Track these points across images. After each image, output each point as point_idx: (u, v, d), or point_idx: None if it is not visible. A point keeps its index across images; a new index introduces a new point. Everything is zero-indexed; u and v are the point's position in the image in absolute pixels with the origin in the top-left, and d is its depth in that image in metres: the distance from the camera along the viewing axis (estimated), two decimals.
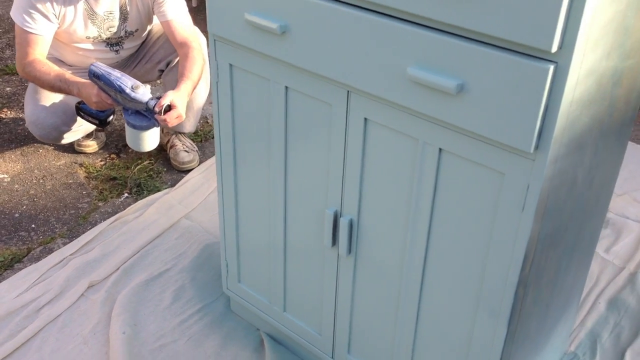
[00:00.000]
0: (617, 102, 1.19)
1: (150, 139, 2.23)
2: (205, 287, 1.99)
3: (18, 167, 2.61)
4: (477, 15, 0.97)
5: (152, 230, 2.22)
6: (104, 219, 2.30)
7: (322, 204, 1.42)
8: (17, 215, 2.33)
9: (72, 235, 2.24)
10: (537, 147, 1.01)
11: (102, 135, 2.76)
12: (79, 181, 2.53)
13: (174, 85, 2.46)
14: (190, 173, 2.57)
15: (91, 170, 2.60)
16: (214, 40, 1.44)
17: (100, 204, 2.41)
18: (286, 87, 1.35)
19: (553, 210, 1.14)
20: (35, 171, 2.59)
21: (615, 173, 1.39)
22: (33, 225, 2.29)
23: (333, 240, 1.43)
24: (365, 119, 1.24)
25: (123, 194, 2.45)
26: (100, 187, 2.50)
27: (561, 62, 0.94)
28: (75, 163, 2.64)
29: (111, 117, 2.31)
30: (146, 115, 2.16)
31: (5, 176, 2.55)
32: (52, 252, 2.14)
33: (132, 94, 2.11)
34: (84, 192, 2.47)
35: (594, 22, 0.94)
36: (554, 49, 0.92)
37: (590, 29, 0.94)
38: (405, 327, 1.39)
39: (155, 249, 2.15)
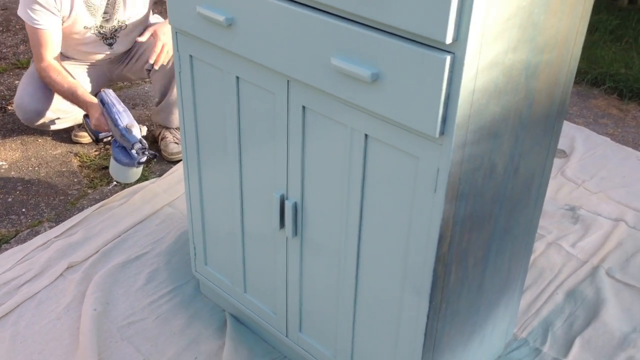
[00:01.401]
0: (537, 95, 1.26)
1: (127, 175, 2.36)
2: (178, 270, 2.09)
3: (17, 155, 2.74)
4: (383, 8, 1.05)
5: (134, 217, 2.32)
6: (91, 205, 2.42)
7: (271, 189, 1.51)
8: (10, 199, 2.46)
9: (59, 219, 2.35)
10: (442, 133, 1.09)
11: None
12: (72, 169, 2.65)
13: (161, 83, 2.60)
14: (179, 164, 2.67)
15: (85, 160, 2.72)
16: (176, 32, 1.54)
17: (89, 191, 2.52)
18: (237, 77, 1.44)
19: (469, 194, 1.21)
20: (32, 159, 2.72)
21: (548, 164, 1.46)
22: (24, 210, 2.41)
23: (281, 223, 1.51)
24: (304, 106, 1.32)
25: (112, 182, 2.57)
26: (91, 176, 2.62)
27: (458, 53, 1.01)
28: (71, 152, 2.77)
29: (106, 139, 2.45)
30: (130, 154, 2.28)
31: (4, 163, 2.68)
32: (39, 234, 2.26)
33: (124, 131, 2.25)
34: (75, 180, 2.59)
35: (490, 17, 1.01)
36: (449, 40, 1.00)
37: (486, 23, 1.01)
38: (345, 305, 1.47)
39: (136, 234, 2.25)
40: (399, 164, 1.20)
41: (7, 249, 2.19)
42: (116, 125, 2.26)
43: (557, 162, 2.70)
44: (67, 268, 2.08)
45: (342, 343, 1.54)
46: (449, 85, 1.04)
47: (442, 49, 1.02)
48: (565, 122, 3.00)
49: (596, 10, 4.14)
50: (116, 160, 2.30)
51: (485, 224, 1.33)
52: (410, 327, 1.34)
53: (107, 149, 2.79)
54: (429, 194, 1.17)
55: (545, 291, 2.02)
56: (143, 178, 2.58)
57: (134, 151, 2.24)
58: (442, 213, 1.17)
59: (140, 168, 2.36)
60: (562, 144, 2.82)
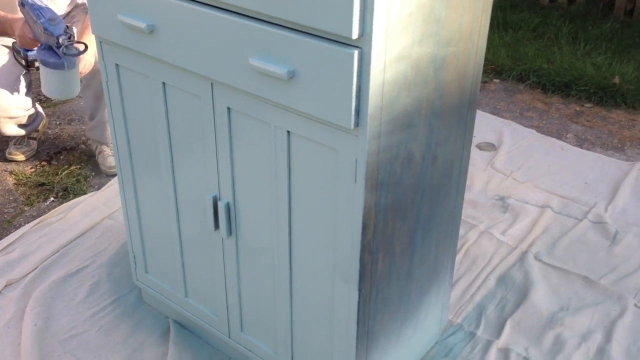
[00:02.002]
0: (446, 86, 1.33)
1: (62, 84, 2.19)
2: (120, 280, 2.09)
3: None
4: (293, 8, 1.11)
5: (73, 231, 2.31)
6: (28, 222, 2.39)
7: (204, 191, 1.54)
8: None
9: None
10: (357, 124, 1.15)
11: (33, 143, 2.85)
12: (7, 188, 2.62)
13: (91, 100, 2.60)
14: (117, 177, 2.67)
15: (21, 177, 2.69)
16: (100, 42, 1.56)
17: (26, 208, 2.50)
18: (163, 83, 1.48)
19: (389, 183, 1.28)
20: None
21: (465, 154, 1.54)
22: None
23: (215, 224, 1.55)
24: (228, 108, 1.37)
25: (49, 198, 2.55)
26: (28, 193, 2.59)
27: (365, 47, 1.08)
28: (6, 171, 2.73)
29: (36, 61, 2.28)
30: (57, 53, 2.15)
31: None
32: None
33: (46, 25, 2.12)
34: (11, 198, 2.56)
35: (392, 12, 1.08)
36: (355, 35, 1.06)
37: (390, 18, 1.08)
38: (282, 300, 1.51)
39: (76, 248, 2.24)
40: (321, 157, 1.25)
41: None
42: (38, 19, 2.13)
43: (486, 155, 2.81)
44: (6, 286, 2.06)
45: (282, 338, 1.58)
46: (359, 79, 1.10)
47: (349, 44, 1.08)
48: (494, 117, 3.13)
49: (519, 9, 4.32)
50: (44, 63, 2.15)
51: (408, 212, 1.40)
52: (343, 316, 1.39)
53: (44, 166, 2.77)
54: (350, 184, 1.22)
55: (479, 278, 2.11)
56: (81, 192, 2.57)
57: (61, 47, 2.10)
58: (363, 202, 1.22)
59: (75, 75, 2.21)
60: (491, 138, 2.94)
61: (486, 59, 3.69)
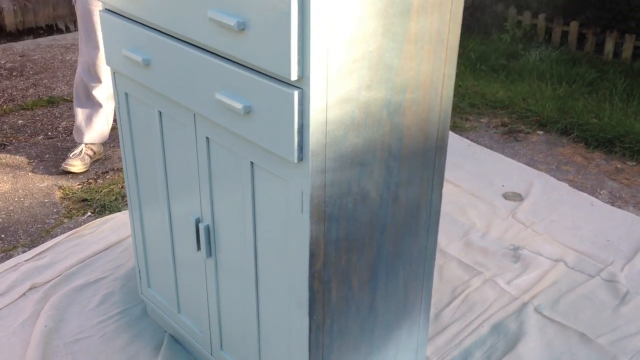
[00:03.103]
0: (406, 130, 1.40)
1: None
2: (130, 293, 2.25)
3: (7, 187, 2.97)
4: (247, 50, 1.22)
5: (100, 244, 2.50)
6: (64, 233, 2.61)
7: (190, 213, 1.67)
8: None
9: (32, 245, 2.55)
10: (301, 159, 1.24)
11: (88, 158, 3.10)
12: (54, 201, 2.86)
13: None
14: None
15: (67, 192, 2.93)
16: (113, 72, 1.74)
17: (65, 220, 2.72)
18: (159, 112, 1.63)
19: (340, 217, 1.35)
20: (20, 191, 2.94)
21: (435, 196, 1.59)
22: (2, 235, 2.61)
23: (198, 245, 1.67)
24: (207, 137, 1.49)
25: (87, 212, 2.76)
26: (70, 207, 2.82)
27: (305, 88, 1.18)
28: (56, 185, 2.98)
29: None
30: None
31: None
32: (12, 257, 2.45)
33: None
34: (55, 210, 2.79)
35: (333, 59, 1.17)
36: (294, 77, 1.16)
37: (330, 64, 1.17)
38: (250, 321, 1.60)
39: (99, 260, 2.42)
40: (276, 187, 1.35)
41: None
42: None
43: (511, 204, 2.81)
44: (30, 288, 2.26)
45: (251, 359, 1.66)
46: (300, 117, 1.20)
47: (291, 84, 1.19)
48: (527, 168, 3.12)
49: (578, 63, 4.28)
50: None
51: (366, 247, 1.46)
52: (298, 340, 1.46)
53: (90, 183, 3.00)
54: (298, 214, 1.31)
55: (472, 324, 2.11)
56: (116, 209, 2.77)
57: None
58: (309, 232, 1.31)
59: None
60: (519, 188, 2.93)
61: (531, 111, 3.68)
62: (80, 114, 3.10)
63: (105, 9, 1.65)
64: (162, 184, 1.73)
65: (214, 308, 1.73)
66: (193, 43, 1.38)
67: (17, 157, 3.22)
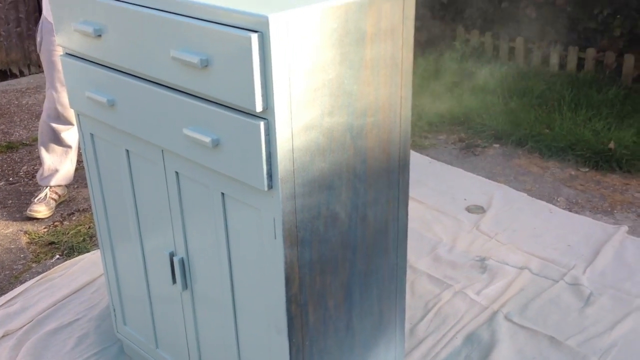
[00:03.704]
0: (369, 152, 1.46)
1: None
2: (106, 333, 2.24)
3: None
4: (211, 85, 1.27)
5: (71, 286, 2.49)
6: (34, 278, 2.58)
7: (163, 247, 1.69)
8: None
9: (2, 292, 2.51)
10: (271, 187, 1.29)
11: (53, 202, 3.08)
12: (20, 246, 2.83)
13: None
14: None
15: (34, 237, 2.90)
16: (78, 114, 1.77)
17: (33, 265, 2.70)
18: (127, 150, 1.65)
19: (312, 240, 1.40)
20: None
21: (402, 214, 1.65)
22: None
23: (173, 279, 1.69)
24: (177, 172, 1.53)
25: (55, 255, 2.74)
26: (37, 251, 2.79)
27: (270, 119, 1.23)
28: (21, 230, 2.95)
29: None
30: None
31: None
32: None
33: None
34: (22, 256, 2.76)
35: (295, 89, 1.23)
36: (259, 109, 1.21)
37: (292, 94, 1.23)
38: (230, 350, 1.62)
39: (71, 302, 2.41)
40: (248, 216, 1.39)
41: None
42: None
43: (474, 217, 2.89)
44: (3, 336, 2.23)
45: None
46: (268, 146, 1.25)
47: (256, 115, 1.24)
48: (487, 181, 3.21)
49: (527, 77, 4.44)
50: None
51: (339, 267, 1.51)
52: None
53: (57, 226, 2.98)
54: (272, 240, 1.35)
55: (446, 336, 2.16)
56: (85, 250, 2.76)
57: None
58: (283, 257, 1.35)
59: None
60: (480, 201, 3.02)
61: (486, 125, 3.80)
62: (47, 158, 3.08)
63: (66, 53, 1.68)
64: (134, 221, 1.75)
65: (192, 340, 1.75)
66: (157, 82, 1.42)
67: None
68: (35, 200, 3.06)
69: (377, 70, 1.41)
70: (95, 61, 1.58)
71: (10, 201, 3.22)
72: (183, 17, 1.27)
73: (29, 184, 3.38)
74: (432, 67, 4.76)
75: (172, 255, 1.66)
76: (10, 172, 3.54)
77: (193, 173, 1.47)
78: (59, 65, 2.87)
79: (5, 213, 3.10)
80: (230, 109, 1.28)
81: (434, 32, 5.16)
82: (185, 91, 1.36)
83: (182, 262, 1.64)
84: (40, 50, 2.91)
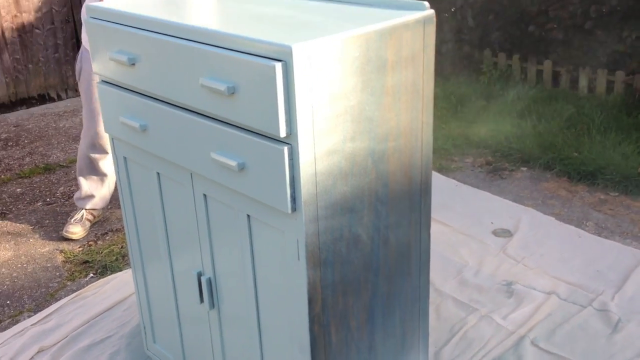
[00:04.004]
0: (391, 176, 1.50)
1: None
2: (136, 351, 2.29)
3: (9, 254, 3.03)
4: (238, 112, 1.33)
5: (104, 304, 2.56)
6: (68, 296, 2.66)
7: (192, 267, 1.74)
8: None
9: (37, 309, 2.60)
10: (294, 209, 1.33)
11: (87, 223, 3.17)
12: (56, 265, 2.92)
13: None
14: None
15: (69, 256, 2.99)
16: (112, 138, 1.84)
17: (68, 283, 2.78)
18: (158, 173, 1.72)
19: (335, 261, 1.43)
20: (22, 257, 3.00)
21: (424, 237, 1.67)
22: (8, 302, 2.66)
23: (201, 298, 1.74)
24: (204, 194, 1.58)
25: (89, 274, 2.82)
26: (72, 270, 2.88)
27: (294, 144, 1.27)
28: (57, 249, 3.05)
29: None
30: None
31: None
32: (18, 323, 2.50)
33: None
34: (57, 274, 2.85)
35: (318, 115, 1.28)
36: (283, 134, 1.26)
37: (315, 120, 1.28)
38: None
39: (104, 320, 2.48)
40: (273, 238, 1.43)
41: None
42: None
43: (501, 241, 2.89)
44: (38, 352, 2.30)
45: None
46: (291, 170, 1.30)
47: (280, 140, 1.29)
48: (514, 204, 3.21)
49: (555, 100, 4.43)
50: None
51: (361, 289, 1.54)
52: None
53: (91, 245, 3.07)
54: (295, 261, 1.39)
55: None
56: (117, 269, 2.83)
57: None
58: (306, 278, 1.39)
59: None
60: (508, 225, 3.02)
61: (513, 148, 3.80)
62: (84, 184, 3.18)
63: (102, 80, 1.76)
64: (164, 241, 1.81)
65: (219, 358, 1.79)
66: (187, 108, 1.48)
67: (18, 224, 3.29)
68: (72, 220, 3.16)
69: (399, 97, 1.45)
70: (129, 88, 1.65)
71: (47, 221, 3.32)
72: (211, 47, 1.34)
73: (65, 204, 3.49)
74: (459, 90, 4.78)
75: (199, 275, 1.71)
76: (48, 192, 3.66)
77: (220, 195, 1.52)
78: (97, 94, 2.96)
79: (42, 232, 3.20)
80: (255, 134, 1.34)
81: (461, 56, 5.19)
82: (213, 117, 1.42)
83: (209, 281, 1.69)
84: (79, 79, 3.03)
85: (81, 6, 2.92)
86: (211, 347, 1.80)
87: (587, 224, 3.06)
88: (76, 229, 3.12)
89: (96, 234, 3.18)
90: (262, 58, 1.25)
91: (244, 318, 1.63)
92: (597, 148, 3.64)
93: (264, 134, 1.32)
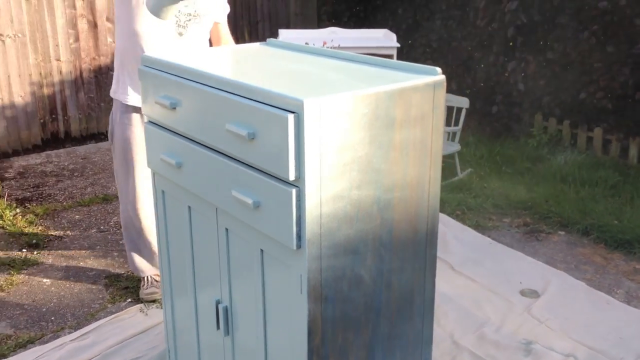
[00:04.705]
0: (396, 224, 1.62)
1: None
2: None
3: (60, 274, 3.26)
4: (255, 155, 1.49)
5: (138, 327, 2.73)
6: (107, 317, 2.85)
7: (212, 296, 1.89)
8: (44, 309, 2.94)
9: (78, 327, 2.79)
10: (299, 246, 1.47)
11: (156, 280, 3.03)
12: (100, 287, 3.13)
13: None
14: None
15: (112, 281, 3.19)
16: (153, 173, 2.03)
17: (109, 305, 2.97)
18: (189, 207, 1.89)
19: (336, 298, 1.55)
20: (71, 278, 3.23)
21: (429, 284, 1.76)
22: (52, 318, 2.87)
23: (217, 324, 1.87)
24: (226, 228, 1.74)
25: (128, 299, 3.01)
26: (114, 293, 3.07)
27: (301, 187, 1.42)
28: (103, 274, 3.26)
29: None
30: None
31: (47, 280, 3.20)
32: (59, 338, 2.70)
33: None
34: (100, 296, 3.05)
35: (326, 163, 1.42)
36: (292, 177, 1.41)
37: (323, 167, 1.42)
38: None
39: (137, 341, 2.64)
40: (281, 271, 1.57)
41: (31, 348, 2.63)
42: None
43: (526, 300, 2.92)
44: None
45: None
46: (298, 210, 1.44)
47: (290, 183, 1.43)
48: (546, 266, 3.23)
49: (602, 167, 4.43)
50: None
51: (362, 327, 1.64)
52: None
53: (132, 273, 3.27)
54: (298, 294, 1.52)
55: None
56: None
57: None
58: (307, 310, 1.51)
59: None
60: (536, 286, 3.05)
61: (553, 212, 3.82)
62: (137, 260, 2.97)
63: (149, 121, 1.96)
64: (190, 271, 1.96)
65: None
66: (215, 149, 1.66)
67: (72, 248, 3.54)
68: (144, 289, 2.98)
69: (406, 152, 1.58)
70: (170, 129, 1.84)
71: (98, 247, 3.56)
72: (236, 97, 1.51)
73: (117, 232, 3.72)
74: (506, 151, 4.84)
75: (217, 303, 1.85)
76: (102, 221, 3.91)
77: (239, 230, 1.67)
78: (135, 147, 2.75)
79: (92, 257, 3.43)
80: (269, 176, 1.49)
81: (511, 118, 5.26)
82: (235, 158, 1.59)
83: (225, 310, 1.82)
84: (112, 138, 2.85)
85: None
86: None
87: (618, 291, 3.05)
88: (152, 290, 2.97)
89: None
90: (278, 109, 1.41)
91: (254, 346, 1.75)
92: (638, 217, 3.63)
93: (276, 176, 1.47)
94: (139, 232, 2.88)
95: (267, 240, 1.58)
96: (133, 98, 2.74)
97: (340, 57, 1.89)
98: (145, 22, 2.59)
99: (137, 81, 2.58)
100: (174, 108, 1.77)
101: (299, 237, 1.46)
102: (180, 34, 2.58)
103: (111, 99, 2.85)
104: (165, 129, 1.87)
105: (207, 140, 1.66)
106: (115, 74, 2.81)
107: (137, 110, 2.75)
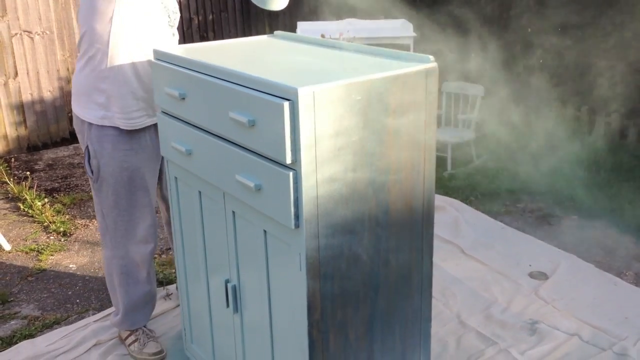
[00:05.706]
0: (391, 204, 1.70)
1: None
2: (179, 352, 2.56)
3: (85, 260, 3.41)
4: (256, 141, 1.58)
5: (158, 309, 2.85)
6: None
7: (222, 275, 2.00)
8: (70, 292, 3.09)
9: (102, 308, 2.93)
10: (297, 226, 1.56)
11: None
12: None
13: None
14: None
15: None
16: (167, 160, 2.15)
17: None
18: (199, 192, 2.00)
19: (334, 275, 1.64)
20: (96, 264, 3.37)
21: (426, 263, 1.85)
22: (77, 300, 3.02)
23: (227, 302, 1.98)
24: (233, 211, 1.84)
25: None
26: None
27: (298, 170, 1.51)
28: None
29: None
30: None
31: (73, 266, 3.35)
32: (83, 319, 2.84)
33: None
34: None
35: (320, 147, 1.51)
36: (288, 161, 1.50)
37: (318, 151, 1.51)
38: None
39: (157, 322, 2.77)
40: (282, 250, 1.67)
41: (56, 328, 2.78)
42: None
43: (534, 282, 2.98)
44: (95, 344, 2.61)
45: None
46: (295, 192, 1.53)
47: (287, 166, 1.53)
48: (555, 249, 3.28)
49: (619, 152, 4.44)
50: None
51: (361, 304, 1.73)
52: None
53: (155, 258, 3.40)
54: (298, 271, 1.62)
55: None
56: (175, 280, 3.13)
57: None
58: (306, 287, 1.60)
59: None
60: (545, 268, 3.10)
61: (567, 196, 3.86)
62: (130, 314, 2.54)
63: (162, 111, 2.07)
64: (202, 253, 2.07)
65: (240, 356, 2.02)
66: (220, 136, 1.76)
67: (97, 236, 3.69)
68: (140, 344, 2.56)
69: (400, 136, 1.66)
70: (179, 118, 1.95)
71: None
72: (238, 86, 1.61)
73: None
74: (522, 139, 4.87)
75: (227, 282, 1.96)
76: None
77: (244, 212, 1.77)
78: (146, 173, 2.35)
79: None
80: (269, 160, 1.58)
81: (529, 105, 5.28)
82: (238, 144, 1.69)
83: (234, 288, 1.93)
84: (96, 180, 2.33)
85: None
86: (234, 348, 2.03)
87: (627, 273, 3.09)
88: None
89: (161, 248, 3.52)
90: (275, 97, 1.50)
91: (259, 323, 1.86)
92: None
93: (275, 160, 1.57)
94: (142, 280, 2.47)
95: (269, 221, 1.68)
96: (137, 119, 2.28)
97: (342, 47, 1.97)
98: (148, 31, 2.25)
99: (130, 99, 2.25)
100: (183, 98, 1.87)
101: (297, 217, 1.55)
102: (174, 34, 2.38)
103: None
104: (176, 118, 1.98)
105: (213, 128, 1.76)
106: (94, 97, 2.25)
107: (138, 131, 2.31)
